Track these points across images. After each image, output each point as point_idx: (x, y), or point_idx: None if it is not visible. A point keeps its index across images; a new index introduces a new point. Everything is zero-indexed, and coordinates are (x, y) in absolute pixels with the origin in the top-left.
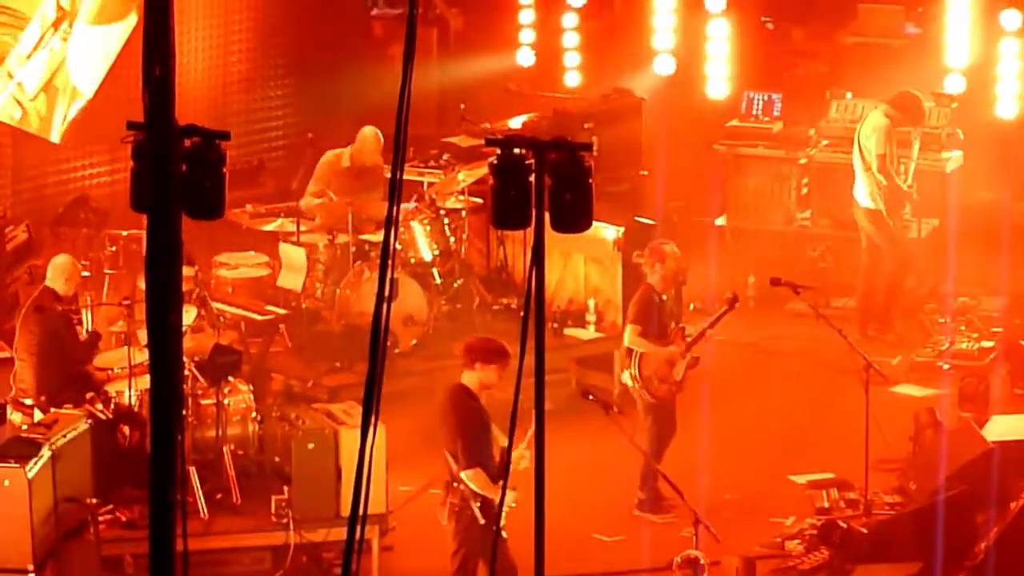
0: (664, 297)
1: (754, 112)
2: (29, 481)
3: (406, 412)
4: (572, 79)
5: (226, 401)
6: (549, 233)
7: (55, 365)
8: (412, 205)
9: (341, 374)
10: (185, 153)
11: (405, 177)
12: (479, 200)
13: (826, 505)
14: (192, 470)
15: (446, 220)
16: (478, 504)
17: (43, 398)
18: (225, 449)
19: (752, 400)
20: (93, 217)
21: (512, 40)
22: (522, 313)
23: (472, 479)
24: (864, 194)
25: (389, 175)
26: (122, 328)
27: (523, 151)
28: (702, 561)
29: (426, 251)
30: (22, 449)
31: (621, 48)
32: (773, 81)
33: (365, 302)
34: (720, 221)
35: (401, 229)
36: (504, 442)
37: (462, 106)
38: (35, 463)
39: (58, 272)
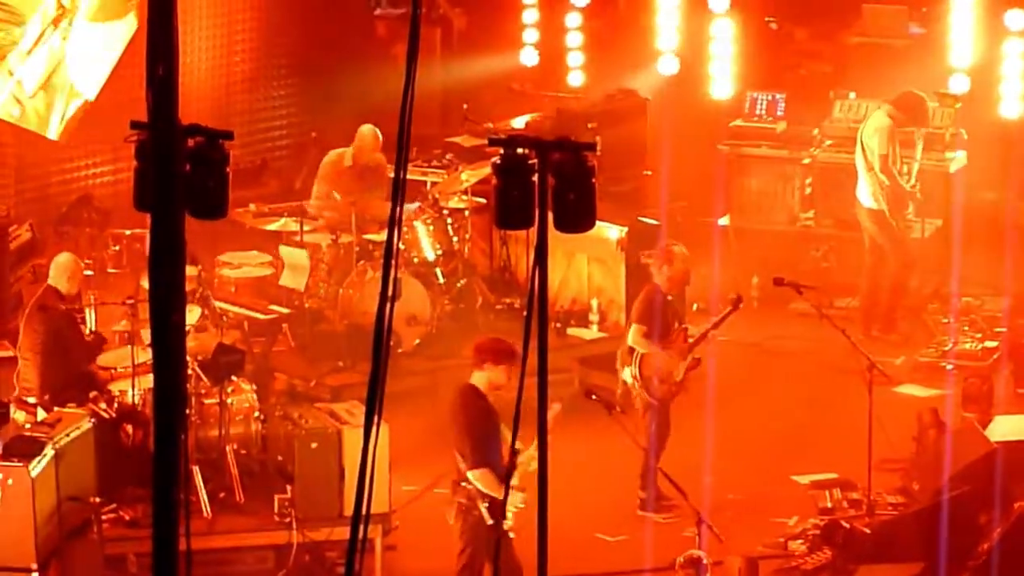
0: (669, 298)
1: (758, 112)
2: (32, 480)
3: (409, 412)
4: (576, 79)
5: (229, 400)
6: (552, 233)
7: (59, 364)
8: (416, 206)
9: (344, 373)
10: (188, 152)
11: (408, 177)
12: (482, 200)
13: (829, 505)
14: (195, 469)
15: (449, 220)
16: (486, 504)
17: (47, 397)
18: (228, 448)
19: (755, 400)
20: (96, 216)
21: (516, 40)
22: (525, 313)
23: (480, 479)
24: (867, 194)
25: (392, 175)
26: (125, 327)
27: (526, 151)
28: (705, 561)
29: (429, 251)
30: (25, 448)
31: (625, 48)
32: (777, 81)
33: (368, 302)
34: (723, 221)
35: (404, 229)
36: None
37: (465, 106)
38: (38, 462)
39: (61, 271)
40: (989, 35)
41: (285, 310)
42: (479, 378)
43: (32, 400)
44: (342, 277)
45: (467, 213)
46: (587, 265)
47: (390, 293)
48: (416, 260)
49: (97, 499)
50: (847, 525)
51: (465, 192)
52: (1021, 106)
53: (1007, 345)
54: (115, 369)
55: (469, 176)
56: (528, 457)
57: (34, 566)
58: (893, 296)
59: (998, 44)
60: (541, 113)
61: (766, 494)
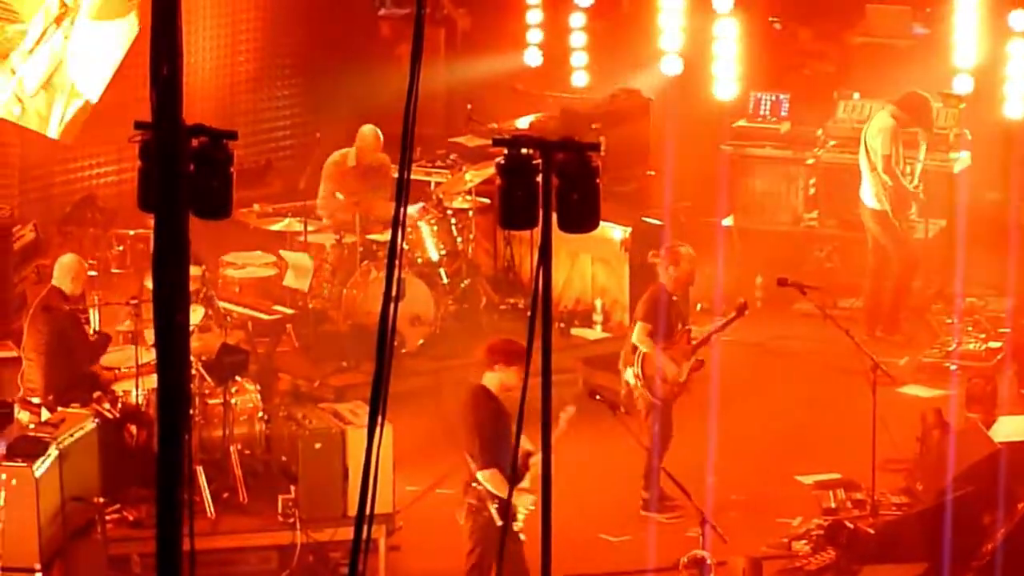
0: (674, 298)
1: (761, 112)
2: (36, 480)
3: (413, 412)
4: (579, 79)
5: (233, 401)
6: (556, 233)
7: (63, 364)
8: (419, 206)
9: (348, 374)
10: (192, 153)
11: (412, 177)
12: (486, 200)
13: (833, 505)
14: (199, 469)
15: (453, 220)
16: (495, 505)
17: (51, 397)
18: (232, 448)
19: (759, 400)
20: (100, 217)
21: (519, 40)
22: (529, 313)
23: (489, 479)
24: (870, 195)
25: (396, 175)
26: (129, 327)
27: (530, 151)
28: (708, 561)
29: (433, 251)
30: (29, 448)
31: (629, 48)
32: (781, 81)
33: (372, 302)
34: (727, 221)
35: (408, 229)
36: (528, 445)
37: (469, 106)
38: (42, 462)
39: (65, 271)
40: (993, 35)
41: (289, 310)
42: (490, 379)
43: (36, 400)
44: (346, 277)
45: (471, 213)
46: (591, 265)
47: (394, 293)
48: (420, 260)
49: (101, 499)
50: (851, 525)
51: (469, 192)
52: None
53: (1011, 345)
54: (119, 369)
55: (473, 176)
56: (538, 460)
57: (38, 566)
58: (896, 297)
59: (1002, 44)
60: (545, 113)
61: (770, 494)
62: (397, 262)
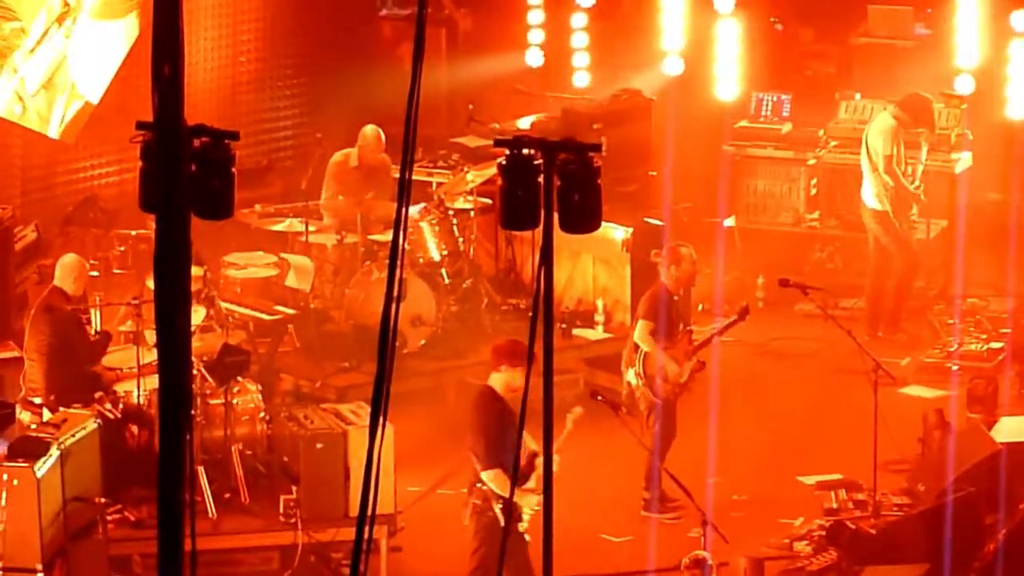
0: (675, 298)
1: (763, 113)
2: (38, 480)
3: (414, 412)
4: (581, 79)
5: (235, 401)
6: (557, 233)
7: (64, 365)
8: (421, 206)
9: (349, 374)
10: (194, 153)
11: (414, 178)
12: (488, 200)
13: (834, 506)
14: (200, 470)
15: (455, 221)
16: (500, 505)
17: (52, 397)
18: (233, 449)
19: (760, 401)
20: (102, 217)
21: (521, 40)
22: (530, 314)
23: (493, 480)
24: (871, 195)
25: (397, 175)
26: (131, 328)
27: (532, 151)
28: (710, 562)
29: (435, 251)
30: (31, 448)
31: (630, 48)
32: (782, 82)
33: (373, 302)
34: (729, 222)
35: (410, 229)
36: (533, 446)
37: (471, 106)
38: (44, 462)
39: (66, 272)
40: (995, 36)
41: (290, 311)
42: (496, 380)
43: (38, 401)
44: (347, 278)
45: (472, 214)
46: (592, 266)
47: (395, 294)
48: (421, 261)
49: (102, 500)
50: (852, 526)
51: (471, 193)
52: None
53: (1012, 346)
54: (121, 370)
55: (475, 177)
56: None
57: (39, 566)
58: (898, 297)
59: (1004, 45)
60: (546, 114)
61: (771, 495)
62: (399, 262)
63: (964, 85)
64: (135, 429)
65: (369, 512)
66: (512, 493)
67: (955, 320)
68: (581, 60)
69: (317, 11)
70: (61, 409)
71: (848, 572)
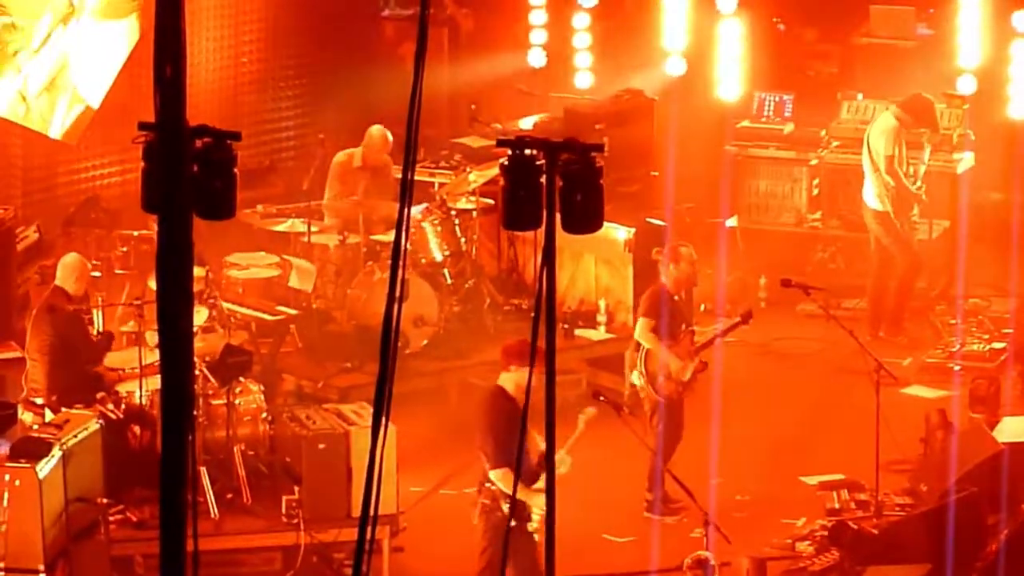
0: (676, 298)
1: (765, 113)
2: (40, 481)
3: (417, 413)
4: (583, 80)
5: (237, 401)
6: (560, 234)
7: (66, 365)
8: (423, 206)
9: (352, 375)
10: (196, 153)
11: (416, 178)
12: (490, 201)
13: (837, 506)
14: (203, 470)
15: (457, 221)
16: (509, 505)
17: (54, 398)
18: (236, 449)
19: (762, 401)
20: (104, 217)
21: (523, 41)
22: (533, 314)
23: (501, 479)
24: (872, 195)
25: (399, 176)
26: (133, 328)
27: (534, 152)
28: (712, 562)
29: (437, 252)
30: (33, 449)
31: (632, 49)
32: (784, 82)
33: (376, 303)
34: (731, 222)
35: (412, 230)
36: (544, 446)
37: (473, 107)
38: (46, 463)
39: (68, 272)
40: (997, 36)
41: (293, 311)
42: (506, 380)
43: (40, 401)
44: (350, 278)
45: (475, 214)
46: (595, 266)
47: (398, 294)
48: (424, 261)
49: (104, 500)
50: (855, 526)
51: (473, 193)
52: None
53: (1014, 346)
54: (123, 370)
55: (477, 177)
56: (559, 459)
57: (41, 567)
58: (899, 298)
59: (1006, 45)
60: (549, 114)
61: (774, 495)
62: (401, 263)
63: (966, 85)
64: (137, 430)
65: (371, 512)
66: (515, 491)
67: (957, 320)
68: (583, 60)
69: (319, 11)
70: (63, 410)
71: (850, 572)
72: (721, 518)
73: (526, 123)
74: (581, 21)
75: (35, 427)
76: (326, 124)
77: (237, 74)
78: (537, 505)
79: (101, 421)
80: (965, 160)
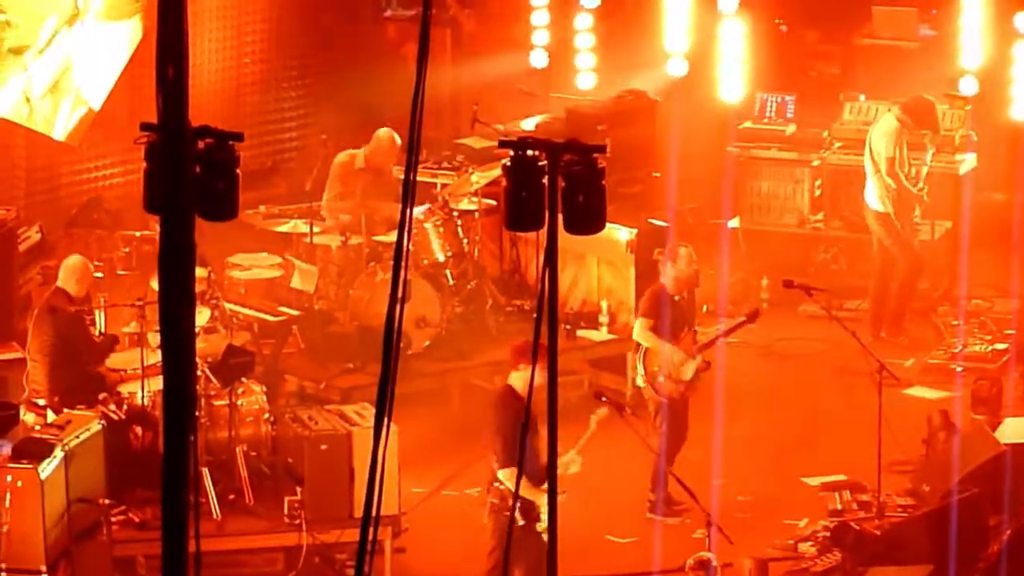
0: (676, 298)
1: (767, 114)
2: (42, 482)
3: (419, 414)
4: (585, 80)
5: (239, 402)
6: (562, 235)
7: (68, 366)
8: (425, 207)
9: (354, 375)
10: (198, 154)
11: (418, 179)
12: (492, 202)
13: (839, 507)
14: (205, 471)
15: (459, 222)
16: (517, 504)
17: (56, 399)
18: (238, 450)
19: (765, 402)
20: (106, 218)
21: (525, 41)
22: (535, 315)
23: (509, 478)
24: (874, 197)
25: (400, 176)
26: (135, 329)
27: (536, 153)
28: (714, 563)
29: (439, 253)
30: (35, 450)
31: (634, 49)
32: (787, 83)
33: (378, 303)
34: (733, 223)
35: (414, 231)
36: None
37: (475, 107)
38: (48, 464)
39: (70, 273)
40: (999, 37)
41: (295, 312)
42: (516, 379)
43: (42, 402)
44: (352, 279)
45: (477, 215)
46: (597, 267)
47: (400, 295)
48: (426, 262)
49: (106, 501)
50: (857, 527)
51: (475, 194)
52: None
53: (1016, 347)
54: (125, 371)
55: (479, 178)
56: (569, 459)
57: (43, 568)
58: (901, 299)
59: (1008, 46)
60: (551, 115)
61: (776, 496)
62: (403, 263)
63: (968, 86)
64: (139, 430)
65: (373, 513)
66: (518, 489)
67: (959, 321)
68: (585, 61)
69: (321, 12)
70: (65, 410)
71: (852, 573)
72: (723, 519)
73: (528, 124)
74: (583, 22)
75: (37, 428)
76: (328, 125)
77: (239, 75)
78: (546, 505)
79: (103, 422)
80: (967, 161)
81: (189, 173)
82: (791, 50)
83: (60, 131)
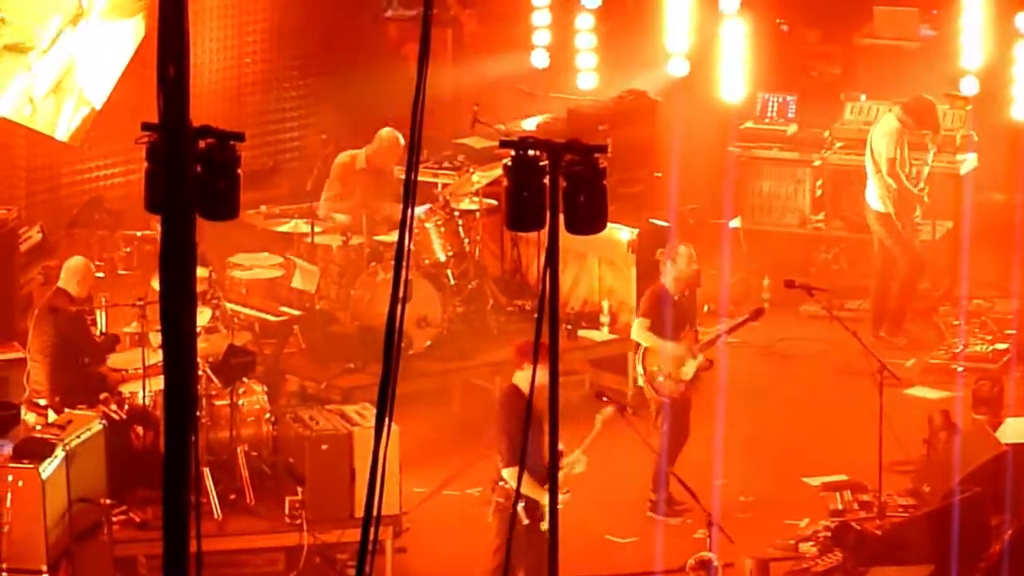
0: (676, 297)
1: (769, 114)
2: (43, 482)
3: (420, 413)
4: (586, 80)
5: (240, 402)
6: (563, 235)
7: (68, 366)
8: (426, 207)
9: (355, 375)
10: (199, 154)
11: (419, 178)
12: (493, 202)
13: (840, 507)
14: (206, 471)
15: (460, 222)
16: (522, 503)
17: (57, 399)
18: (239, 450)
19: (766, 402)
20: (107, 218)
21: (526, 42)
22: (536, 315)
23: (513, 477)
24: (875, 197)
25: (402, 176)
26: (136, 329)
27: (537, 153)
28: (716, 563)
29: (440, 253)
30: (36, 449)
31: (635, 49)
32: (788, 83)
33: (379, 303)
34: (734, 223)
35: (415, 230)
36: (560, 445)
37: (476, 107)
38: (49, 464)
39: (71, 274)
40: (1000, 37)
41: (296, 312)
42: (521, 379)
43: (43, 402)
44: (353, 279)
45: (478, 215)
46: (598, 267)
47: (401, 295)
48: (427, 262)
49: (107, 501)
50: (858, 527)
51: (476, 194)
52: None
53: (1018, 347)
54: (126, 371)
55: (480, 178)
56: (574, 459)
57: (44, 568)
58: (901, 299)
59: (1009, 46)
60: (552, 115)
61: (777, 496)
62: (404, 263)
63: (969, 86)
64: (140, 430)
65: (374, 513)
66: (519, 488)
67: (960, 321)
68: (586, 61)
69: (323, 12)
70: (66, 410)
71: (853, 573)
72: (724, 519)
73: (529, 124)
74: (584, 22)
75: (38, 428)
76: (329, 125)
77: (240, 75)
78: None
79: (104, 422)
80: (968, 161)
81: (190, 173)
82: (792, 50)
83: (63, 131)
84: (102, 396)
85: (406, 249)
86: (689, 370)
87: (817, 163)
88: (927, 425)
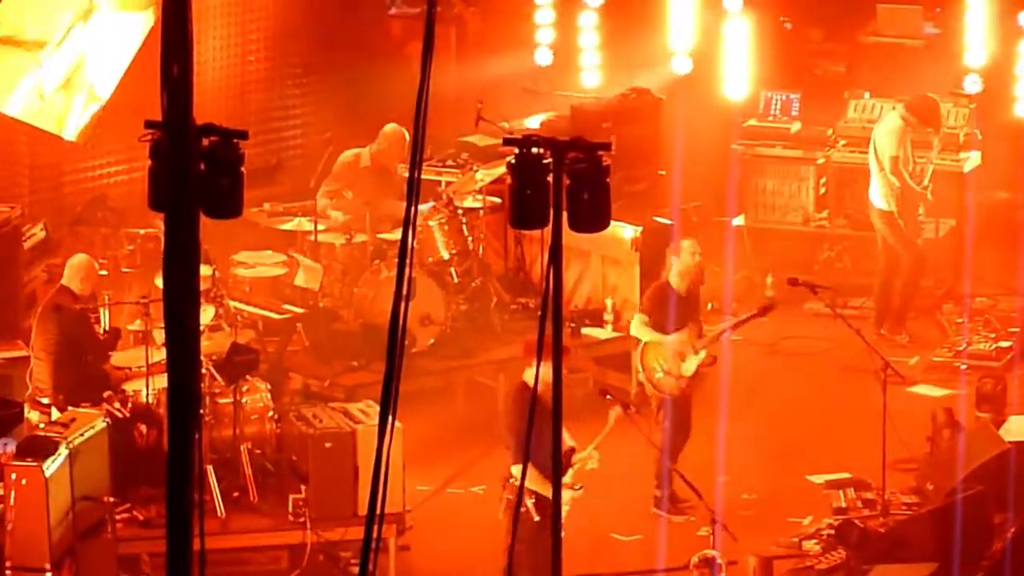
0: (680, 294)
1: (772, 112)
2: (46, 480)
3: (423, 411)
4: (590, 78)
5: (243, 400)
6: (567, 232)
7: (71, 364)
8: (430, 205)
9: (358, 373)
10: (203, 152)
11: (423, 176)
12: (497, 200)
13: (843, 505)
14: (209, 469)
15: (464, 220)
16: (532, 500)
17: (61, 397)
18: (242, 448)
19: (769, 400)
20: (111, 216)
21: (530, 39)
22: (539, 313)
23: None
24: (878, 195)
25: (405, 174)
26: (140, 327)
27: (541, 150)
28: (719, 561)
29: (444, 250)
30: (40, 448)
31: (639, 47)
32: (791, 81)
33: (382, 301)
34: (738, 221)
35: (419, 228)
36: (571, 442)
37: (480, 105)
38: (52, 462)
39: (75, 272)
40: (1003, 35)
41: (299, 310)
42: (531, 375)
43: (46, 400)
44: (356, 277)
45: (482, 213)
46: (601, 265)
47: (404, 293)
48: (430, 260)
49: (111, 499)
50: (861, 525)
51: (480, 192)
52: None
53: (1021, 345)
54: (129, 369)
55: (484, 176)
56: (586, 455)
57: (48, 566)
58: (904, 297)
59: (1012, 44)
60: (555, 113)
61: (780, 494)
62: (408, 261)
63: (973, 84)
64: (144, 428)
65: (378, 511)
66: (523, 484)
67: (964, 319)
68: (590, 59)
69: (326, 10)
70: (70, 408)
71: (857, 571)
72: (728, 517)
73: (533, 122)
74: (588, 20)
75: (41, 426)
76: (333, 123)
77: (244, 72)
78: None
79: (107, 420)
80: (971, 159)
81: (194, 171)
82: (796, 48)
83: (72, 128)
84: (106, 394)
85: (410, 247)
86: (690, 366)
87: (821, 161)
88: (930, 423)
